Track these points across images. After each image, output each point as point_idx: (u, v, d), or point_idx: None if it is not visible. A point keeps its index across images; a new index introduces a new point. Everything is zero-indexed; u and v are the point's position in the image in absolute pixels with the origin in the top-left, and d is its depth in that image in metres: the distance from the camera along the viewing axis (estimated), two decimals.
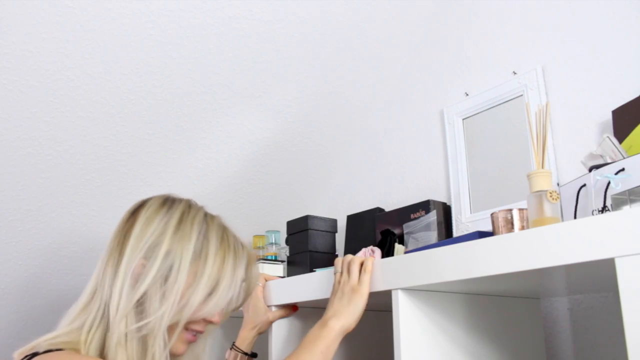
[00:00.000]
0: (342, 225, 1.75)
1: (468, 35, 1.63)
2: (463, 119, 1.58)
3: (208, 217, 0.94)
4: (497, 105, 1.49)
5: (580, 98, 1.32)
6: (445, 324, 0.99)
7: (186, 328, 0.90)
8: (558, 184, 1.28)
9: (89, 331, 0.84)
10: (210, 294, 0.88)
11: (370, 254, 1.36)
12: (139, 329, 0.82)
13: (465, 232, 1.39)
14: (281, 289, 1.24)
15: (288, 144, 1.83)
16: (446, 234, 1.49)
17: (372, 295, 1.02)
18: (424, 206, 1.47)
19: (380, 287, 0.97)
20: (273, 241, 1.72)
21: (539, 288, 1.06)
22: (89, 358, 0.81)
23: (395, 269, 0.95)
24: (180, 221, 0.90)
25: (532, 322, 1.18)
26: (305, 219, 1.55)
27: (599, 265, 0.69)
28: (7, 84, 1.31)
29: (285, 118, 1.76)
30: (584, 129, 1.30)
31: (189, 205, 0.94)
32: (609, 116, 1.22)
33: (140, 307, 0.84)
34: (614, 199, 0.80)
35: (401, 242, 1.47)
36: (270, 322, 1.24)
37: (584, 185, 0.98)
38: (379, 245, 1.51)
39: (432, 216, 1.42)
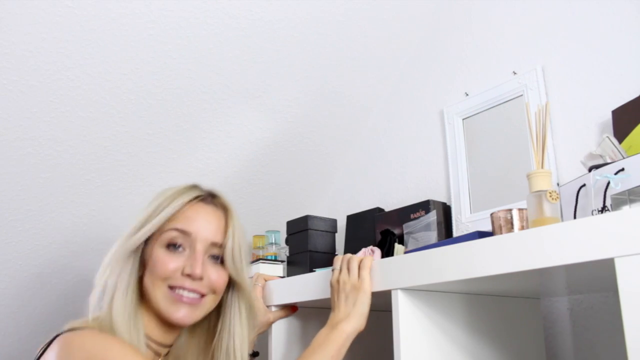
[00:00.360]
0: (342, 225, 1.75)
1: (468, 35, 1.63)
2: (463, 119, 1.58)
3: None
4: (497, 105, 1.49)
5: (580, 98, 1.32)
6: (445, 324, 0.99)
7: (170, 287, 0.93)
8: (558, 184, 1.28)
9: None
10: (147, 218, 0.96)
11: (370, 254, 1.36)
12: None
13: (465, 232, 1.39)
14: (281, 289, 1.24)
15: (288, 144, 1.83)
16: (446, 234, 1.49)
17: (372, 295, 1.02)
18: (424, 206, 1.47)
19: (380, 287, 0.97)
20: (273, 241, 1.72)
21: (539, 288, 1.06)
22: (106, 335, 0.84)
23: (395, 269, 0.95)
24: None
25: (532, 322, 1.18)
26: (305, 219, 1.55)
27: (599, 265, 0.69)
28: (7, 84, 1.31)
29: (285, 118, 1.76)
30: (583, 129, 1.30)
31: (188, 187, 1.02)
32: (609, 116, 1.22)
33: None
34: (613, 199, 0.80)
35: (401, 242, 1.47)
36: (271, 323, 1.23)
37: (584, 185, 0.98)
38: (378, 245, 1.51)
39: (432, 216, 1.42)
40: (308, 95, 1.74)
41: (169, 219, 0.95)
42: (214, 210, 1.01)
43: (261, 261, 1.57)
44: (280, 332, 1.25)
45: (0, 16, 1.22)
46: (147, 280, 0.94)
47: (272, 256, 1.67)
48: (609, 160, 1.04)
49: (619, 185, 0.87)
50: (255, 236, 1.78)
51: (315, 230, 1.55)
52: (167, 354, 1.00)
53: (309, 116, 1.80)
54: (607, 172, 0.92)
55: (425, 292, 0.96)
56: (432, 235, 1.39)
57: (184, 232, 0.95)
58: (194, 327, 1.03)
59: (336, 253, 1.59)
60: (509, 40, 1.50)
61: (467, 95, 1.58)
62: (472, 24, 1.63)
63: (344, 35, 1.65)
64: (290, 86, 1.69)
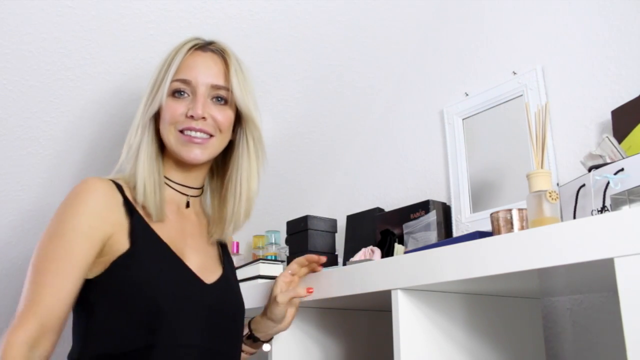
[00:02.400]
0: (342, 225, 1.75)
1: (468, 35, 1.63)
2: (463, 119, 1.58)
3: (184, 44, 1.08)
4: (497, 105, 1.49)
5: (579, 98, 1.32)
6: (445, 324, 1.00)
7: (180, 131, 1.02)
8: (558, 184, 1.28)
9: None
10: (156, 81, 1.05)
11: (370, 254, 1.37)
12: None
13: (465, 232, 1.40)
14: None
15: (288, 143, 1.83)
16: (446, 234, 1.49)
17: (372, 295, 1.02)
18: (424, 206, 1.47)
19: (380, 287, 0.97)
20: (273, 241, 1.72)
21: (538, 288, 1.06)
22: (83, 196, 0.94)
23: (395, 269, 0.95)
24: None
25: (532, 322, 1.18)
26: (305, 219, 1.55)
27: (599, 265, 0.69)
28: (7, 84, 1.31)
29: (285, 118, 1.76)
30: (583, 129, 1.30)
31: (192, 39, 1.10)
32: (609, 116, 1.22)
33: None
34: (613, 199, 0.80)
35: (401, 242, 1.47)
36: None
37: (584, 185, 0.98)
38: (378, 245, 1.51)
39: (432, 216, 1.42)
40: (308, 95, 1.74)
41: (174, 72, 1.03)
42: (211, 56, 1.07)
43: (261, 261, 1.57)
44: (280, 332, 1.25)
45: (0, 16, 1.22)
46: (162, 129, 1.04)
47: (272, 256, 1.67)
48: (608, 161, 1.04)
49: (618, 186, 0.88)
50: (255, 236, 1.78)
51: (315, 230, 1.55)
52: (199, 196, 1.11)
53: (309, 116, 1.80)
54: (607, 172, 0.92)
55: (425, 292, 0.97)
56: (432, 235, 1.39)
57: (184, 81, 1.03)
58: (212, 171, 1.15)
59: (336, 253, 1.59)
60: (509, 40, 1.50)
61: (467, 95, 1.58)
62: (472, 24, 1.63)
63: (343, 36, 1.65)
64: (290, 86, 1.69)
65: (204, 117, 1.02)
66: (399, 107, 1.84)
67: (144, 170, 1.00)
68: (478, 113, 1.54)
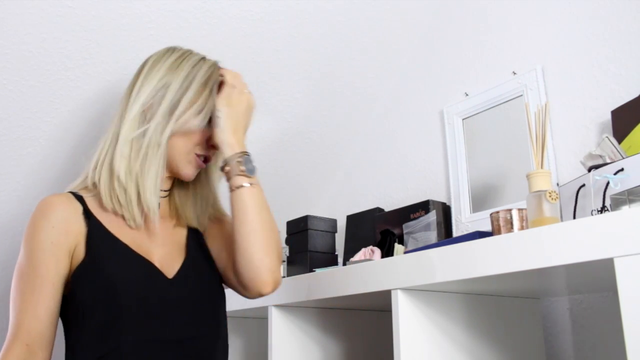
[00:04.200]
0: (342, 225, 1.75)
1: (468, 35, 1.63)
2: (463, 119, 1.58)
3: (202, 60, 1.07)
4: (497, 105, 1.49)
5: (579, 98, 1.32)
6: (445, 324, 1.00)
7: (196, 154, 1.02)
8: (557, 184, 1.28)
9: (95, 167, 0.99)
10: (179, 99, 0.99)
11: (370, 254, 1.37)
12: (142, 134, 0.97)
13: (465, 232, 1.40)
14: (281, 288, 1.24)
15: (288, 143, 1.83)
16: (446, 234, 1.49)
17: (372, 295, 1.02)
18: (424, 206, 1.47)
19: (380, 287, 0.97)
20: None
21: (538, 288, 1.06)
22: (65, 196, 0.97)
23: (395, 269, 0.95)
24: (179, 58, 1.05)
25: (532, 322, 1.18)
26: (305, 219, 1.55)
27: (598, 265, 0.69)
28: (7, 84, 1.31)
29: (285, 118, 1.76)
30: (583, 129, 1.30)
31: (190, 51, 1.09)
32: (608, 116, 1.22)
33: (142, 117, 0.99)
34: (613, 199, 0.81)
35: (401, 242, 1.47)
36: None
37: (583, 185, 0.98)
38: (378, 246, 1.51)
39: (432, 216, 1.42)
40: (308, 95, 1.74)
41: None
42: None
43: None
44: (281, 332, 1.25)
45: (0, 16, 1.22)
46: (181, 145, 1.00)
47: None
48: (608, 161, 1.04)
49: (618, 186, 0.88)
50: None
51: (315, 230, 1.55)
52: (167, 197, 1.08)
53: (309, 116, 1.80)
54: (607, 172, 0.92)
55: (425, 292, 0.97)
56: (432, 235, 1.39)
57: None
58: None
59: (336, 253, 1.59)
60: (509, 40, 1.51)
61: (467, 95, 1.58)
62: (472, 24, 1.63)
63: (343, 36, 1.65)
64: (290, 86, 1.69)
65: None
66: (399, 107, 1.84)
67: (155, 178, 0.97)
68: (478, 113, 1.54)
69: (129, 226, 0.99)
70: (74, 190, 1.00)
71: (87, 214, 0.97)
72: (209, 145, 1.03)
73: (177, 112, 0.98)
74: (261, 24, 1.51)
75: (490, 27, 1.57)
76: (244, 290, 1.01)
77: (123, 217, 0.98)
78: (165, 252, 1.02)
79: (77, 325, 0.93)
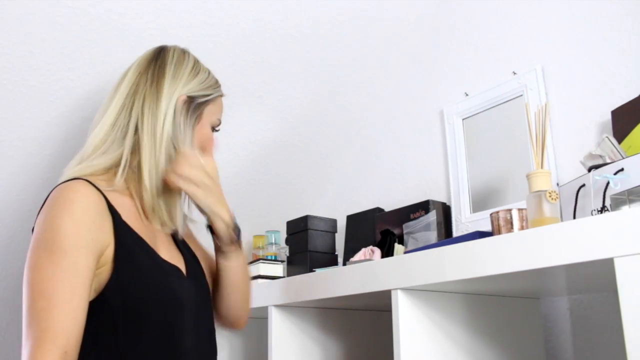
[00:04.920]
0: (342, 225, 1.75)
1: (468, 35, 1.63)
2: (463, 119, 1.58)
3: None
4: (497, 105, 1.49)
5: (579, 98, 1.32)
6: (445, 324, 1.00)
7: None
8: (557, 184, 1.28)
9: (121, 158, 0.96)
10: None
11: (370, 254, 1.37)
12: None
13: (465, 232, 1.40)
14: (281, 288, 1.24)
15: (288, 144, 1.83)
16: (446, 234, 1.49)
17: (372, 295, 1.02)
18: (424, 206, 1.47)
19: (380, 287, 0.97)
20: (273, 241, 1.72)
21: (538, 288, 1.06)
22: (88, 188, 0.88)
23: (395, 269, 0.95)
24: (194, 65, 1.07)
25: (532, 322, 1.18)
26: (305, 219, 1.55)
27: (598, 265, 0.69)
28: (7, 84, 1.31)
29: (285, 118, 1.76)
30: (583, 129, 1.30)
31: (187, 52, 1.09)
32: (609, 116, 1.22)
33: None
34: (613, 199, 0.81)
35: (401, 242, 1.47)
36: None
37: (583, 185, 0.98)
38: (378, 246, 1.51)
39: (432, 216, 1.42)
40: (308, 96, 1.74)
41: (216, 108, 1.09)
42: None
43: (261, 261, 1.57)
44: (281, 332, 1.25)
45: (0, 16, 1.22)
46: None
47: (272, 256, 1.67)
48: (608, 161, 1.04)
49: (618, 186, 0.88)
50: (255, 236, 1.78)
51: (315, 230, 1.55)
52: None
53: (309, 116, 1.80)
54: (607, 172, 0.92)
55: (425, 292, 0.97)
56: (432, 235, 1.39)
57: (220, 122, 1.11)
58: None
59: (336, 253, 1.59)
60: (509, 40, 1.50)
61: (467, 95, 1.58)
62: (472, 24, 1.63)
63: (344, 36, 1.65)
64: (290, 86, 1.69)
65: None
66: (399, 107, 1.84)
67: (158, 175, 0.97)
68: (478, 113, 1.54)
69: (139, 220, 0.95)
70: (84, 177, 0.91)
71: (110, 208, 0.90)
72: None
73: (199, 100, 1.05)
74: (261, 24, 1.51)
75: (490, 27, 1.57)
76: (218, 319, 1.08)
77: (136, 209, 0.96)
78: (169, 250, 1.00)
79: (110, 336, 0.85)
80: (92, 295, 0.85)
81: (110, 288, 0.86)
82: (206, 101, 1.05)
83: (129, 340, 0.86)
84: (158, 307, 0.89)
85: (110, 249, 0.87)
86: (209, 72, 1.09)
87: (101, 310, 0.85)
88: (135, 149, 0.97)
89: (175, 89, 1.00)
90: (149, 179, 0.95)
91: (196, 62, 1.07)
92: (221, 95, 1.11)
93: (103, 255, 0.86)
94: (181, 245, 1.04)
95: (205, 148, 1.05)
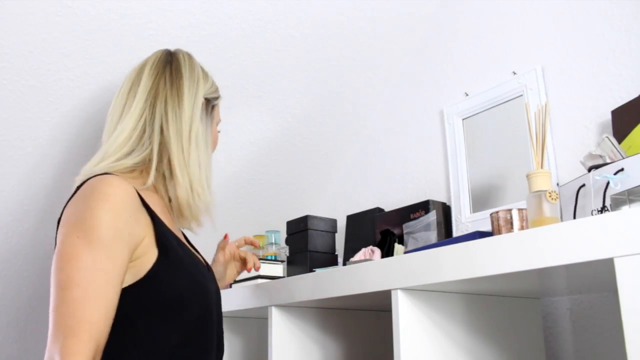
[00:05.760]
0: (342, 225, 1.75)
1: (468, 35, 1.63)
2: (463, 119, 1.58)
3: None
4: (497, 105, 1.49)
5: (579, 98, 1.32)
6: (445, 324, 1.00)
7: None
8: (557, 184, 1.28)
9: (151, 158, 0.99)
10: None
11: (370, 254, 1.37)
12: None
13: (465, 232, 1.40)
14: (281, 288, 1.24)
15: (288, 144, 1.83)
16: (446, 234, 1.49)
17: (372, 295, 1.02)
18: (424, 206, 1.47)
19: (380, 287, 0.97)
20: (273, 241, 1.72)
21: (538, 288, 1.06)
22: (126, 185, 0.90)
23: (395, 269, 0.95)
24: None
25: (532, 322, 1.18)
26: (305, 219, 1.55)
27: (598, 265, 0.69)
28: (7, 84, 1.31)
29: (285, 118, 1.76)
30: (583, 129, 1.30)
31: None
32: (609, 116, 1.22)
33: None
34: (613, 199, 0.81)
35: (401, 242, 1.47)
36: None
37: (584, 185, 0.98)
38: (378, 246, 1.51)
39: (432, 216, 1.42)
40: (308, 96, 1.74)
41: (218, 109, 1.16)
42: None
43: (261, 261, 1.57)
44: (281, 332, 1.25)
45: (0, 16, 1.22)
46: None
47: (272, 256, 1.67)
48: (608, 161, 1.04)
49: (618, 186, 0.88)
50: (255, 236, 1.78)
51: (315, 230, 1.55)
52: None
53: (309, 116, 1.80)
54: (607, 172, 0.92)
55: (425, 292, 0.97)
56: (432, 235, 1.39)
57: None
58: None
59: (336, 253, 1.59)
60: (509, 40, 1.50)
61: (467, 95, 1.58)
62: (472, 24, 1.63)
63: (344, 35, 1.65)
64: (290, 86, 1.69)
65: None
66: (399, 107, 1.84)
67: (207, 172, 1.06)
68: (478, 113, 1.54)
69: (168, 217, 1.00)
70: (115, 173, 0.94)
71: (146, 205, 0.92)
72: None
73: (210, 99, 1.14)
74: (261, 24, 1.51)
75: (490, 27, 1.57)
76: None
77: (164, 206, 1.00)
78: (188, 246, 1.06)
79: (141, 325, 0.86)
80: (129, 282, 0.86)
81: (150, 278, 0.87)
82: (217, 102, 1.13)
83: (166, 329, 0.88)
84: (195, 299, 0.93)
85: (146, 242, 0.89)
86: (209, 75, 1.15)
87: (138, 299, 0.86)
88: (162, 149, 1.00)
89: (195, 91, 1.05)
90: (182, 176, 0.99)
91: (201, 66, 1.12)
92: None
93: (138, 248, 0.88)
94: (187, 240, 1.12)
95: (215, 145, 1.14)
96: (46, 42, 1.29)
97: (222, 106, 1.62)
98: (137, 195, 0.90)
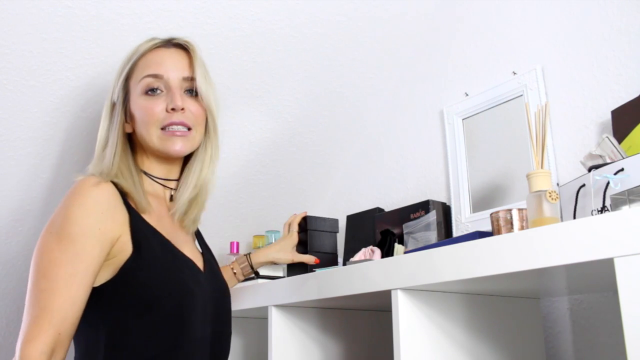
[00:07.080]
0: (342, 225, 1.75)
1: (468, 35, 1.63)
2: (463, 119, 1.58)
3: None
4: (497, 106, 1.49)
5: (579, 98, 1.32)
6: (445, 324, 1.00)
7: (162, 129, 1.03)
8: (557, 184, 1.28)
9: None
10: (119, 76, 1.11)
11: (370, 254, 1.37)
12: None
13: (465, 232, 1.40)
14: (281, 288, 1.24)
15: (288, 144, 1.83)
16: (446, 234, 1.49)
17: (372, 295, 1.02)
18: (424, 206, 1.47)
19: (380, 287, 0.97)
20: (273, 241, 1.72)
21: (538, 288, 1.06)
22: (104, 184, 0.94)
23: (395, 269, 0.95)
24: None
25: (532, 322, 1.18)
26: (305, 219, 1.55)
27: (598, 265, 0.69)
28: (7, 84, 1.31)
29: (285, 118, 1.76)
30: (583, 129, 1.30)
31: None
32: (609, 116, 1.22)
33: None
34: (613, 199, 0.80)
35: (401, 242, 1.47)
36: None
37: (584, 185, 0.98)
38: (378, 245, 1.51)
39: (432, 216, 1.42)
40: (308, 95, 1.74)
41: (140, 70, 1.06)
42: (176, 50, 1.09)
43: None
44: (281, 332, 1.25)
45: (0, 16, 1.22)
46: (142, 129, 1.04)
47: None
48: (608, 161, 1.04)
49: (618, 186, 0.88)
50: (255, 236, 1.78)
51: (316, 230, 1.55)
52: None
53: (309, 116, 1.80)
54: (607, 172, 0.92)
55: (425, 292, 0.97)
56: (432, 235, 1.39)
57: (156, 76, 1.04)
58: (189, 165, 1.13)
59: (336, 253, 1.59)
60: (509, 40, 1.50)
61: (467, 95, 1.58)
62: (472, 24, 1.63)
63: (343, 35, 1.65)
64: (290, 86, 1.69)
65: (182, 109, 1.03)
66: (399, 107, 1.84)
67: (122, 163, 1.02)
68: (478, 113, 1.54)
69: (164, 219, 1.02)
70: (105, 176, 0.98)
71: (126, 203, 0.96)
72: (168, 110, 1.04)
73: (114, 97, 1.13)
74: (261, 24, 1.51)
75: (490, 27, 1.56)
76: None
77: (163, 210, 1.04)
78: (192, 249, 1.07)
79: (120, 322, 0.90)
80: (106, 279, 0.90)
81: (123, 275, 0.90)
82: (134, 64, 1.14)
83: (138, 323, 0.90)
84: (168, 294, 0.93)
85: (123, 240, 0.92)
86: None
87: (114, 296, 0.90)
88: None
89: (113, 88, 1.16)
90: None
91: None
92: None
93: (115, 246, 0.91)
94: (202, 246, 1.14)
95: (150, 115, 1.11)
96: (46, 42, 1.29)
97: (222, 106, 1.63)
98: (117, 194, 0.94)
